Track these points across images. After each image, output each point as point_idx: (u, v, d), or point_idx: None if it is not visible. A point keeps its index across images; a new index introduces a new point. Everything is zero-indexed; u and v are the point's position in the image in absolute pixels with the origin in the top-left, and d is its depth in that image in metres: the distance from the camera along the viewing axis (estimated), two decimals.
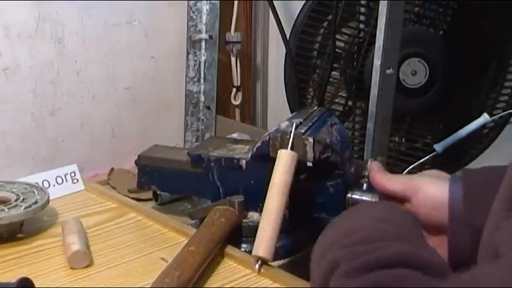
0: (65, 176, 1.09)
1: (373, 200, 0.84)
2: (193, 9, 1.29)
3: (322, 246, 0.62)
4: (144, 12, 1.26)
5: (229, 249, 0.87)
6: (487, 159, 1.32)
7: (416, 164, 1.29)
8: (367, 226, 0.61)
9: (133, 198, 1.09)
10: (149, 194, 1.11)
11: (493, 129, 1.33)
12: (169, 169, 1.01)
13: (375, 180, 0.78)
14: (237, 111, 1.57)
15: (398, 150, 1.32)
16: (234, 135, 1.26)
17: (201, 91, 1.32)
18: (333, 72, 1.28)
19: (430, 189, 0.70)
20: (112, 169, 1.23)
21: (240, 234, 0.91)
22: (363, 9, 1.27)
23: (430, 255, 0.55)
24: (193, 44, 1.31)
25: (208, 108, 1.33)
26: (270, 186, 0.81)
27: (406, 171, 1.29)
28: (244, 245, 0.90)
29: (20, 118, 1.13)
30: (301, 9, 1.29)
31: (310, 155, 0.82)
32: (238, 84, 1.51)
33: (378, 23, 0.97)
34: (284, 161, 0.80)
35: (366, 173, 0.84)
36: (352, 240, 0.57)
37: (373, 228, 0.60)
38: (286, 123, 0.86)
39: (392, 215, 0.65)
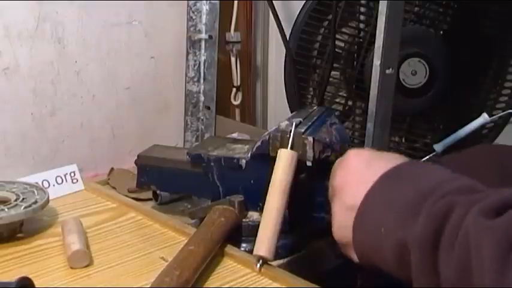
0: (65, 176, 1.09)
1: None
2: (193, 9, 1.29)
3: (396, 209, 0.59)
4: (144, 12, 1.26)
5: (229, 249, 0.87)
6: None
7: None
8: (452, 177, 0.58)
9: (133, 198, 1.09)
10: (149, 194, 1.11)
11: (492, 130, 1.32)
12: (169, 169, 1.01)
13: None
14: (237, 111, 1.57)
15: (398, 150, 1.32)
16: (234, 135, 1.26)
17: (201, 91, 1.32)
18: (332, 72, 1.28)
19: None
20: (112, 169, 1.23)
21: (240, 234, 0.91)
22: (363, 9, 1.27)
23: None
24: (193, 44, 1.31)
25: (208, 108, 1.33)
26: (270, 186, 0.81)
27: None
28: (244, 245, 0.90)
29: (20, 118, 1.13)
30: (301, 9, 1.29)
31: (310, 154, 0.82)
32: (238, 84, 1.51)
33: (378, 23, 0.97)
34: (284, 161, 0.80)
35: None
36: (451, 189, 0.55)
37: (463, 178, 0.58)
38: (286, 122, 0.86)
39: (447, 171, 0.62)
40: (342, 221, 0.68)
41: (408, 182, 0.61)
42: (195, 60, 1.31)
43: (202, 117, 1.33)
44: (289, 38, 1.30)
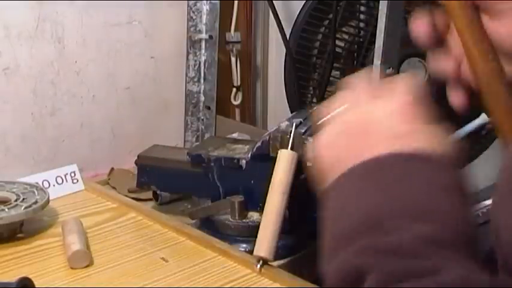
0: (65, 176, 1.09)
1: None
2: (193, 9, 1.29)
3: (335, 241, 0.46)
4: (144, 12, 1.26)
5: (229, 249, 0.87)
6: (486, 160, 1.32)
7: None
8: (398, 226, 0.43)
9: (133, 198, 1.09)
10: (149, 194, 1.11)
11: (491, 131, 1.32)
12: (169, 169, 1.01)
13: None
14: (237, 111, 1.57)
15: None
16: (234, 135, 1.26)
17: (201, 91, 1.32)
18: (333, 72, 1.28)
19: None
20: (112, 169, 1.23)
21: (240, 234, 0.91)
22: (363, 9, 1.27)
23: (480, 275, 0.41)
24: (193, 44, 1.31)
25: (208, 108, 1.33)
26: (270, 186, 0.81)
27: None
28: (244, 245, 0.90)
29: (20, 118, 1.13)
30: (302, 8, 1.29)
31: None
32: (238, 84, 1.50)
33: (378, 23, 0.97)
34: (284, 161, 0.80)
35: None
36: (386, 246, 0.42)
37: (410, 232, 0.42)
38: (286, 123, 0.86)
39: (436, 198, 0.45)
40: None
41: (352, 200, 0.47)
42: (195, 60, 1.31)
43: (202, 117, 1.33)
44: (289, 37, 1.29)
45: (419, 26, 0.55)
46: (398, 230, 0.43)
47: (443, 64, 0.57)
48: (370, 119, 0.50)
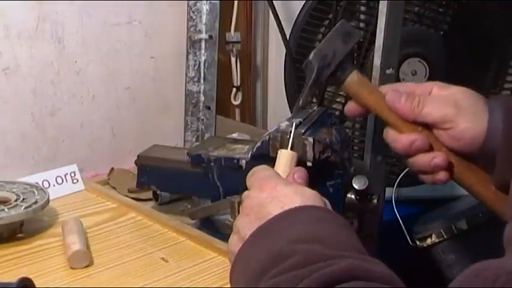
0: (65, 176, 1.09)
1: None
2: (193, 9, 1.29)
3: (245, 278, 0.59)
4: (144, 12, 1.26)
5: None
6: None
7: None
8: (293, 250, 0.56)
9: (133, 198, 1.09)
10: (149, 194, 1.11)
11: None
12: (169, 169, 1.01)
13: (399, 109, 0.76)
14: (237, 111, 1.57)
15: None
16: (234, 135, 1.26)
17: (201, 91, 1.32)
18: None
19: (468, 128, 0.73)
20: (112, 169, 1.23)
21: None
22: (363, 9, 1.27)
23: (373, 265, 0.53)
24: (193, 44, 1.31)
25: (208, 108, 1.33)
26: None
27: (405, 171, 1.29)
28: None
29: (20, 118, 1.13)
30: (302, 8, 1.29)
31: (310, 155, 0.82)
32: (238, 84, 1.50)
33: (378, 23, 0.97)
34: (284, 161, 0.80)
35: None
36: (285, 267, 0.54)
37: (303, 251, 0.55)
38: (286, 123, 0.86)
39: (316, 230, 0.59)
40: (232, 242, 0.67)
41: (262, 246, 0.60)
42: (195, 60, 1.31)
43: (202, 117, 1.33)
44: (289, 37, 1.29)
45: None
46: (294, 253, 0.55)
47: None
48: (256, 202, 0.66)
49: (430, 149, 0.76)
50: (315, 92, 0.84)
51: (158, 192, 1.08)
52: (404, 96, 0.76)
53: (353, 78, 0.79)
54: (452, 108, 0.74)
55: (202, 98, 1.33)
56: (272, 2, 1.31)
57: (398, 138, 0.77)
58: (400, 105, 0.76)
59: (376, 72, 0.98)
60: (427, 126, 0.76)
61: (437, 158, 0.75)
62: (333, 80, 0.80)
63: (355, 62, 1.26)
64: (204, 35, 1.30)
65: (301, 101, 0.82)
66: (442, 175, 0.77)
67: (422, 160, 0.76)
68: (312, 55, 0.78)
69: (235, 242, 0.65)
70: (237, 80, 1.50)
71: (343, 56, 0.79)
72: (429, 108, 0.75)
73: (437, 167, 0.76)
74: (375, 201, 0.89)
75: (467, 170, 0.77)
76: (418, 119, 0.76)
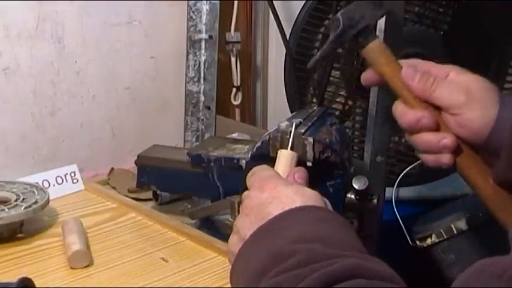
0: (65, 176, 1.09)
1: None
2: (193, 9, 1.29)
3: (246, 278, 0.59)
4: (144, 12, 1.26)
5: None
6: None
7: (415, 164, 1.29)
8: (293, 250, 0.56)
9: (133, 198, 1.09)
10: (149, 194, 1.11)
11: None
12: (169, 169, 1.01)
13: (412, 86, 0.75)
14: (237, 111, 1.57)
15: (398, 150, 1.32)
16: (234, 135, 1.26)
17: (201, 91, 1.32)
18: (333, 72, 1.28)
19: (476, 117, 0.73)
20: (112, 169, 1.23)
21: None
22: None
23: (374, 264, 0.53)
24: (193, 44, 1.31)
25: (208, 108, 1.33)
26: None
27: (405, 171, 1.29)
28: None
29: (20, 118, 1.13)
30: (302, 8, 1.28)
31: (310, 155, 0.82)
32: (238, 84, 1.50)
33: (378, 23, 0.97)
34: (284, 161, 0.80)
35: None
36: (286, 266, 0.54)
37: (303, 250, 0.55)
38: (286, 123, 0.86)
39: (316, 230, 0.60)
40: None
41: (263, 246, 0.60)
42: (195, 60, 1.31)
43: (202, 117, 1.33)
44: (289, 37, 1.29)
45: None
46: (295, 252, 0.55)
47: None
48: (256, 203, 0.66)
49: (436, 129, 0.75)
50: (334, 49, 0.82)
51: (158, 192, 1.08)
52: (419, 75, 0.75)
53: (374, 44, 0.78)
54: (464, 96, 0.73)
55: (202, 98, 1.33)
56: (272, 2, 1.30)
57: (406, 113, 0.76)
58: (413, 83, 0.75)
59: None
60: (437, 109, 0.76)
61: (446, 138, 0.74)
62: (355, 42, 0.79)
63: (355, 63, 1.27)
64: (204, 35, 1.30)
65: (318, 55, 0.82)
66: (446, 158, 0.75)
67: (428, 139, 0.75)
68: (340, 13, 0.78)
69: (235, 242, 0.65)
70: (237, 80, 1.50)
71: (371, 21, 0.79)
72: (441, 92, 0.74)
73: (445, 148, 0.74)
74: (375, 201, 0.89)
75: (470, 158, 0.76)
76: (429, 99, 0.75)
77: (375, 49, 0.78)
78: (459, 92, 0.74)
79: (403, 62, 0.79)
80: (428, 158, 0.77)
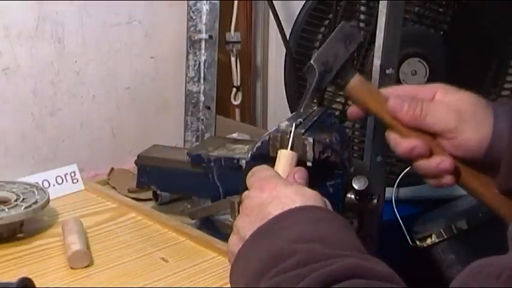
0: (65, 176, 1.09)
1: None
2: (193, 9, 1.29)
3: (245, 278, 0.59)
4: (144, 12, 1.26)
5: None
6: None
7: None
8: (293, 250, 0.56)
9: (133, 198, 1.09)
10: (149, 194, 1.11)
11: None
12: (169, 169, 1.00)
13: (401, 117, 0.75)
14: (237, 111, 1.57)
15: None
16: (234, 135, 1.26)
17: (201, 91, 1.32)
18: None
19: (471, 137, 0.73)
20: (112, 169, 1.23)
21: None
22: (363, 9, 1.27)
23: (374, 264, 0.54)
24: (193, 44, 1.31)
25: (208, 108, 1.33)
26: None
27: (405, 171, 1.29)
28: None
29: (20, 118, 1.13)
30: (302, 8, 1.29)
31: (310, 155, 0.82)
32: (238, 84, 1.50)
33: (378, 23, 0.97)
34: (284, 161, 0.80)
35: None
36: (286, 266, 0.54)
37: (303, 250, 0.55)
38: (286, 123, 0.86)
39: (316, 230, 0.60)
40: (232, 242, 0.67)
41: (263, 246, 0.60)
42: (195, 60, 1.31)
43: (202, 117, 1.33)
44: (289, 37, 1.29)
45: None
46: (294, 253, 0.55)
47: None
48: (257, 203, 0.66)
49: (431, 153, 0.75)
50: (316, 97, 0.83)
51: (158, 192, 1.08)
52: (406, 104, 0.75)
53: (355, 82, 0.79)
54: (455, 118, 0.73)
55: (202, 98, 1.33)
56: (272, 2, 1.31)
57: (400, 143, 0.76)
58: (402, 114, 0.75)
59: (376, 72, 0.99)
60: (431, 134, 0.76)
61: (444, 162, 0.74)
62: (335, 85, 0.80)
63: (355, 63, 1.27)
64: (204, 35, 1.30)
65: (303, 107, 0.82)
66: (448, 179, 0.76)
67: (426, 165, 0.76)
68: (312, 60, 0.78)
69: (235, 242, 0.65)
70: (237, 80, 1.50)
71: (345, 61, 0.79)
72: (431, 118, 0.74)
73: (444, 172, 0.75)
74: (375, 201, 0.89)
75: (471, 174, 0.76)
76: (420, 127, 0.75)
77: (357, 86, 0.79)
78: (449, 116, 0.74)
79: (387, 91, 0.79)
80: (432, 181, 0.77)
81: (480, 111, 0.74)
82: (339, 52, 0.79)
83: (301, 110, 0.82)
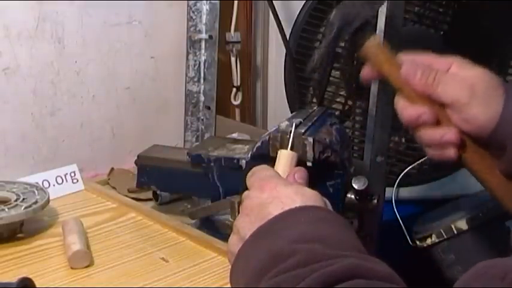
0: (65, 176, 1.09)
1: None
2: (193, 9, 1.29)
3: (245, 278, 0.59)
4: (144, 12, 1.26)
5: None
6: None
7: (415, 164, 1.29)
8: (293, 250, 0.56)
9: (133, 198, 1.09)
10: (149, 194, 1.11)
11: None
12: (169, 169, 1.01)
13: (413, 84, 0.74)
14: (237, 111, 1.57)
15: (398, 150, 1.32)
16: (234, 135, 1.26)
17: (201, 91, 1.32)
18: (333, 72, 1.28)
19: (480, 113, 0.71)
20: (112, 169, 1.23)
21: None
22: None
23: (374, 264, 0.54)
24: (193, 44, 1.31)
25: (208, 108, 1.33)
26: None
27: (405, 171, 1.29)
28: None
29: (20, 118, 1.13)
30: (302, 8, 1.29)
31: (310, 155, 0.82)
32: (238, 84, 1.50)
33: (378, 23, 0.97)
34: (284, 161, 0.80)
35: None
36: (286, 266, 0.54)
37: (303, 251, 0.55)
38: (286, 123, 0.86)
39: (316, 230, 0.60)
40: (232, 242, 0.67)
41: (263, 246, 0.60)
42: (195, 60, 1.31)
43: (202, 117, 1.33)
44: (289, 37, 1.29)
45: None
46: (294, 253, 0.55)
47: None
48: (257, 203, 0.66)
49: (438, 124, 0.74)
50: (332, 52, 0.80)
51: (158, 192, 1.09)
52: (420, 71, 0.74)
53: (372, 42, 0.77)
54: (467, 92, 0.72)
55: (202, 98, 1.33)
56: (272, 2, 1.31)
57: (407, 108, 0.75)
58: (414, 81, 0.74)
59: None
60: (440, 104, 0.75)
61: (448, 133, 0.73)
62: (352, 41, 0.78)
63: (354, 63, 1.27)
64: (204, 35, 1.30)
65: (315, 60, 0.80)
66: (451, 152, 0.74)
67: (431, 134, 0.74)
68: (333, 15, 0.77)
69: (235, 242, 0.65)
70: (237, 80, 1.50)
71: (367, 18, 0.77)
72: (443, 88, 0.73)
73: (448, 143, 0.74)
74: (375, 201, 0.89)
75: (475, 151, 0.75)
76: (431, 95, 0.74)
77: (374, 46, 0.77)
78: (462, 89, 0.72)
79: (403, 57, 0.77)
80: (433, 153, 0.76)
81: (493, 90, 0.73)
82: (361, 10, 0.77)
83: (313, 64, 0.80)
